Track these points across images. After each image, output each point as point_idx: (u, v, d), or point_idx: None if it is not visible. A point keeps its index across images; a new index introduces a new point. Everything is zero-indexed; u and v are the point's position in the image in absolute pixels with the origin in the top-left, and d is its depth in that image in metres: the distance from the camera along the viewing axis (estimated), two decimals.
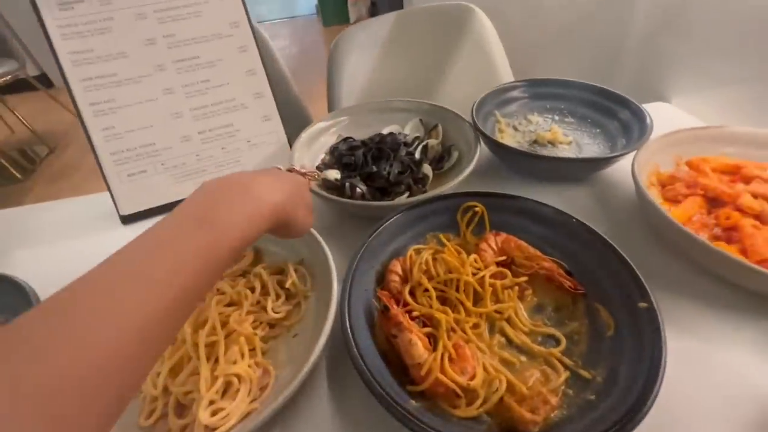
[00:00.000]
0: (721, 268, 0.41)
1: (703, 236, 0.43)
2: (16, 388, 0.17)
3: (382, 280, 0.43)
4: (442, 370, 0.34)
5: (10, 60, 2.39)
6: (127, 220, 0.58)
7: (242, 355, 0.36)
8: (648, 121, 0.56)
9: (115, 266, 0.23)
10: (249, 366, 0.35)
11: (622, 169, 0.57)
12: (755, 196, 0.46)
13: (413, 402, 0.33)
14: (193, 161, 0.60)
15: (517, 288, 0.42)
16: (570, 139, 0.63)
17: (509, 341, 0.38)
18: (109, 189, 0.58)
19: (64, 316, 0.19)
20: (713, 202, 0.48)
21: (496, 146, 0.58)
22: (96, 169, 0.57)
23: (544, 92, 0.68)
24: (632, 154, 0.51)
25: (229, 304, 0.40)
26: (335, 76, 0.94)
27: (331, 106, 0.94)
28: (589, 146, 0.62)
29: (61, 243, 0.57)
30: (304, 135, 0.62)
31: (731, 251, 0.41)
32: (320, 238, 0.44)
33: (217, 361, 0.35)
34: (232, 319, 0.37)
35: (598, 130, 0.63)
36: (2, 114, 2.68)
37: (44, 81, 2.91)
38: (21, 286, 0.42)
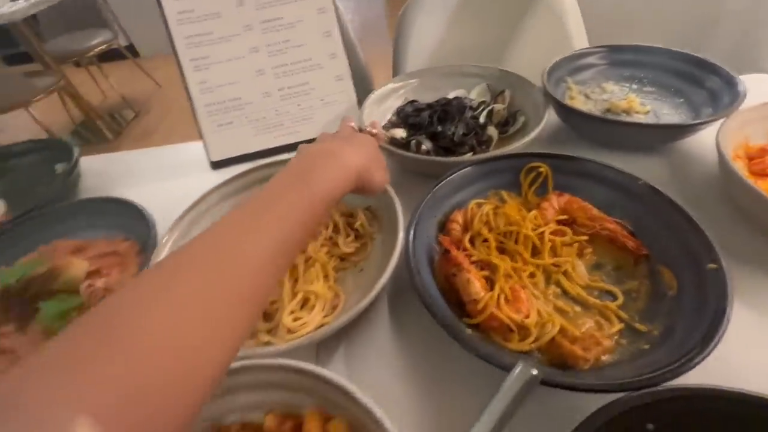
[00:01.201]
0: None
1: None
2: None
3: (442, 229, 0.46)
4: (498, 307, 0.36)
5: (105, 30, 2.65)
6: (216, 165, 0.66)
7: (318, 278, 0.41)
8: (740, 88, 0.52)
9: (237, 217, 0.27)
10: (323, 288, 0.40)
11: (703, 140, 0.54)
12: None
13: (468, 331, 0.36)
14: (272, 116, 0.66)
15: (576, 245, 0.42)
16: (648, 109, 0.60)
17: (564, 292, 0.40)
18: (202, 137, 0.65)
19: (199, 261, 0.23)
20: None
21: (566, 112, 0.57)
22: (172, 131, 0.64)
23: (624, 59, 0.65)
24: (718, 123, 0.48)
25: None
26: (402, 42, 0.95)
27: (396, 72, 0.96)
28: (669, 117, 0.59)
29: (161, 183, 0.66)
30: (373, 96, 0.65)
31: None
32: (388, 187, 0.47)
33: (297, 280, 0.40)
34: (310, 248, 0.42)
35: (681, 100, 0.60)
36: (97, 80, 3.00)
37: (132, 51, 3.18)
38: (143, 212, 0.50)
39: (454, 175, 0.48)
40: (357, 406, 0.29)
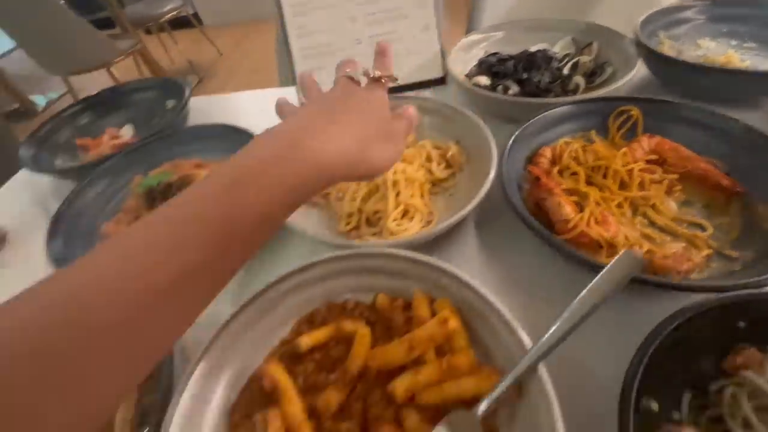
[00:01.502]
0: None
1: None
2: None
3: (530, 163, 0.49)
4: (588, 226, 0.39)
5: None
6: None
7: (415, 195, 0.45)
8: None
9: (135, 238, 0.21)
10: (421, 203, 0.45)
11: None
12: None
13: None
14: (361, 62, 0.70)
15: (666, 183, 0.44)
16: (747, 64, 0.58)
17: (652, 223, 0.42)
18: (296, 79, 0.71)
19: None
20: None
21: (660, 61, 0.57)
22: None
23: (726, 14, 0.63)
24: None
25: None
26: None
27: (471, 28, 0.97)
28: None
29: (257, 121, 0.73)
30: (456, 47, 0.68)
31: None
32: (479, 120, 0.50)
33: (398, 195, 0.45)
34: (409, 169, 0.47)
35: (753, 44, 0.57)
36: (166, 46, 3.19)
37: (197, 20, 3.34)
38: (246, 132, 0.56)
39: (543, 115, 0.50)
40: (462, 287, 0.34)
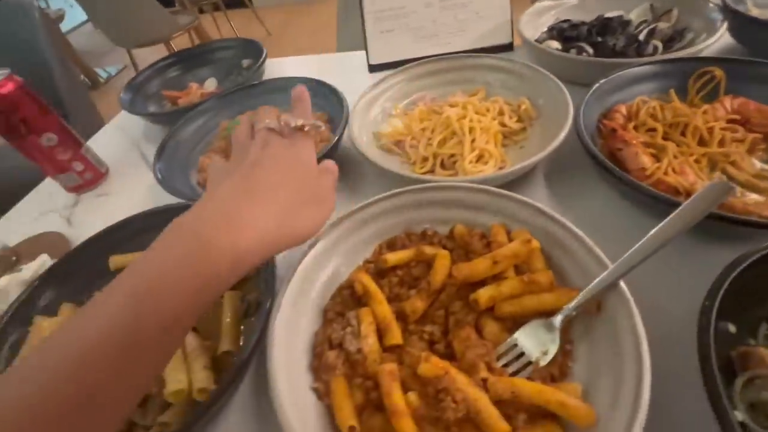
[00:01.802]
0: None
1: None
2: None
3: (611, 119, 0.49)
4: (666, 174, 0.40)
5: None
6: (373, 69, 0.75)
7: (490, 141, 0.47)
8: None
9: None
10: (494, 149, 0.47)
11: None
12: None
13: None
14: (430, 25, 0.72)
15: (749, 141, 0.44)
16: None
17: (731, 179, 0.42)
18: (365, 42, 0.74)
19: None
20: None
21: (748, 25, 0.56)
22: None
23: None
24: None
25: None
26: None
27: None
28: None
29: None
30: (527, 12, 0.68)
31: None
32: (553, 78, 0.52)
33: (473, 141, 0.47)
34: (484, 119, 0.49)
35: None
36: (219, 24, 3.32)
37: (249, 0, 3.43)
38: (334, 90, 0.60)
39: (619, 74, 0.51)
40: (541, 216, 0.36)
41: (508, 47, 0.71)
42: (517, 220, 0.38)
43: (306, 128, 0.31)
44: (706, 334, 0.27)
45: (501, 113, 0.52)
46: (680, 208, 0.31)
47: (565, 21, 0.68)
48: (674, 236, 0.30)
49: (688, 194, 0.39)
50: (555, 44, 0.63)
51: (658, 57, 0.51)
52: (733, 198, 0.39)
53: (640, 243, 0.30)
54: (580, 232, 0.33)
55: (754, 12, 0.62)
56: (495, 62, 0.58)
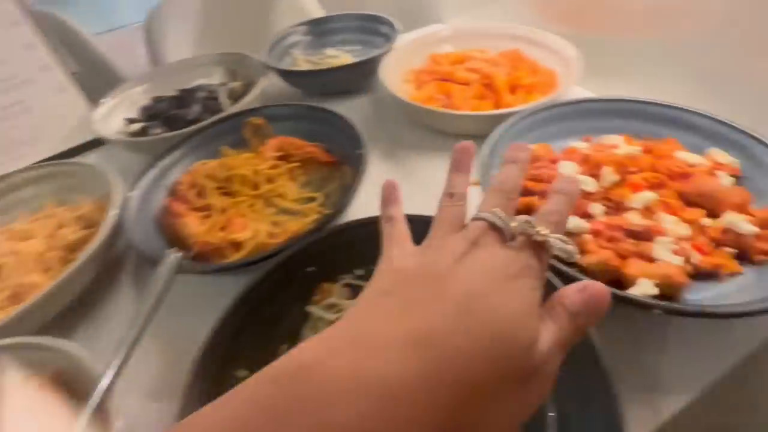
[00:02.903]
0: (437, 121, 0.55)
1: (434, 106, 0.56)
2: None
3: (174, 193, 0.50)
4: (211, 234, 0.42)
5: None
6: None
7: (35, 270, 0.40)
8: (397, 27, 0.68)
9: None
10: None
11: None
12: (468, 70, 0.60)
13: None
14: None
15: (287, 171, 0.51)
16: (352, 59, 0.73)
17: (280, 209, 0.48)
18: None
19: None
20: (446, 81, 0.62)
21: (284, 73, 0.67)
22: None
23: (325, 29, 0.78)
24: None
25: None
26: (157, 55, 0.95)
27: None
28: None
29: None
30: (106, 101, 0.65)
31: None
32: (105, 169, 0.49)
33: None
34: (22, 246, 0.41)
35: (359, 47, 0.76)
36: None
37: None
38: None
39: (181, 146, 0.53)
40: None
41: (97, 143, 0.66)
42: None
43: (548, 247, 0.20)
44: None
45: (61, 226, 0.46)
46: (147, 292, 0.31)
47: (158, 98, 0.68)
48: (149, 316, 0.30)
49: (238, 244, 0.42)
50: (134, 127, 0.61)
51: (204, 123, 0.55)
52: (276, 230, 0.44)
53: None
54: None
55: (300, 59, 0.76)
56: (38, 172, 0.52)
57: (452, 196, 0.23)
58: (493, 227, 0.20)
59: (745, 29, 0.47)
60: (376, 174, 0.53)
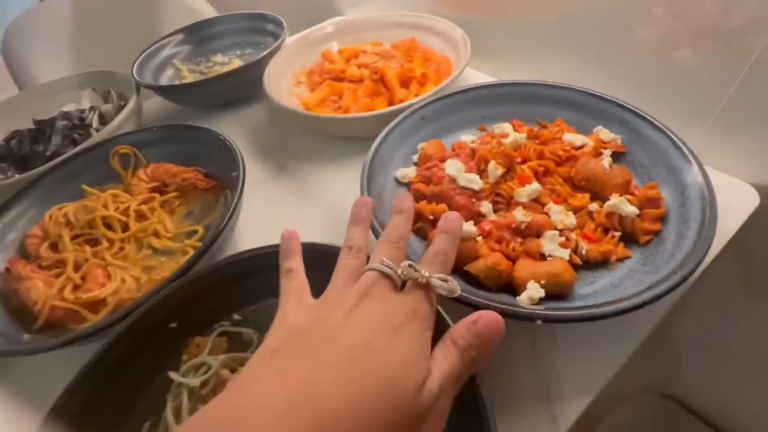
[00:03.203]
0: (327, 127, 0.50)
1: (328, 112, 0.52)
2: None
3: (23, 250, 0.42)
4: (61, 296, 0.35)
5: None
6: None
7: None
8: (284, 26, 0.62)
9: None
10: None
11: None
12: (359, 66, 0.56)
13: (26, 336, 0.34)
14: None
15: (160, 203, 0.45)
16: (240, 63, 0.67)
17: (155, 250, 0.42)
18: None
19: None
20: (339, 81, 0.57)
21: (161, 90, 0.59)
22: None
23: (204, 35, 0.71)
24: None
25: None
26: (21, 78, 0.83)
27: None
28: None
29: None
30: None
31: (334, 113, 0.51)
32: None
33: None
34: None
35: (250, 50, 0.70)
36: None
37: None
38: None
39: (30, 190, 0.45)
40: None
41: None
42: None
43: (436, 288, 0.21)
44: None
45: None
46: None
47: (13, 133, 0.58)
48: None
49: (101, 303, 0.36)
50: None
51: (70, 154, 0.47)
52: (150, 275, 0.38)
53: None
54: None
55: (184, 69, 0.68)
56: None
57: (351, 248, 0.24)
58: (384, 275, 0.22)
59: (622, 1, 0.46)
60: (269, 192, 0.49)
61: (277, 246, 0.28)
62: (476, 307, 0.27)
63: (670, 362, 0.68)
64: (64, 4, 0.86)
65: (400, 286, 0.22)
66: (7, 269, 0.37)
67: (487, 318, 0.20)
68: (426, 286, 0.21)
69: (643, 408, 0.70)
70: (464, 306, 0.27)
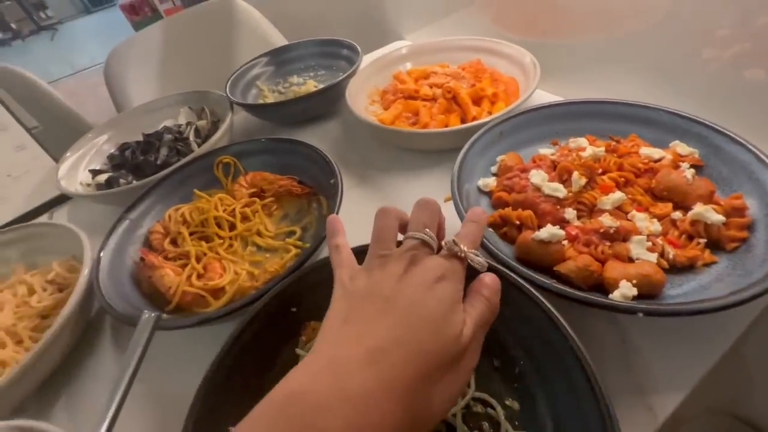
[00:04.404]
0: (406, 141, 0.55)
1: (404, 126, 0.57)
2: None
3: (148, 244, 0.48)
4: (189, 283, 0.41)
5: None
6: None
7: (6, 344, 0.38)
8: (358, 50, 0.69)
9: None
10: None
11: None
12: (431, 86, 0.61)
13: (165, 315, 0.39)
14: None
15: (261, 207, 0.50)
16: (317, 84, 0.74)
17: (259, 247, 0.47)
18: None
19: None
20: (412, 99, 0.62)
21: (251, 108, 0.67)
22: None
23: (285, 58, 0.78)
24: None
25: None
26: (119, 97, 0.94)
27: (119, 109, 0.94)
28: None
29: None
30: (69, 154, 0.63)
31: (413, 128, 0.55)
32: (73, 228, 0.47)
33: None
34: None
35: (323, 72, 0.76)
36: None
37: None
38: None
39: (150, 193, 0.51)
40: None
41: (63, 199, 0.64)
42: None
43: (463, 256, 0.26)
44: None
45: (32, 292, 0.44)
46: (125, 357, 0.29)
47: (123, 145, 0.67)
48: (130, 381, 0.28)
49: (220, 291, 0.41)
50: (102, 178, 0.60)
51: (170, 169, 0.54)
52: (256, 271, 0.43)
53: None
54: None
55: (266, 89, 0.76)
56: (7, 236, 0.50)
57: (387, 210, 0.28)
58: (424, 243, 0.26)
59: (686, 20, 0.48)
60: (352, 200, 0.53)
61: (367, 245, 0.32)
62: (576, 301, 0.30)
63: (737, 382, 0.67)
64: (156, 34, 0.97)
65: (437, 252, 0.26)
66: (142, 259, 0.43)
67: (491, 276, 0.26)
68: (462, 258, 0.25)
69: (709, 428, 0.68)
70: (565, 300, 0.30)
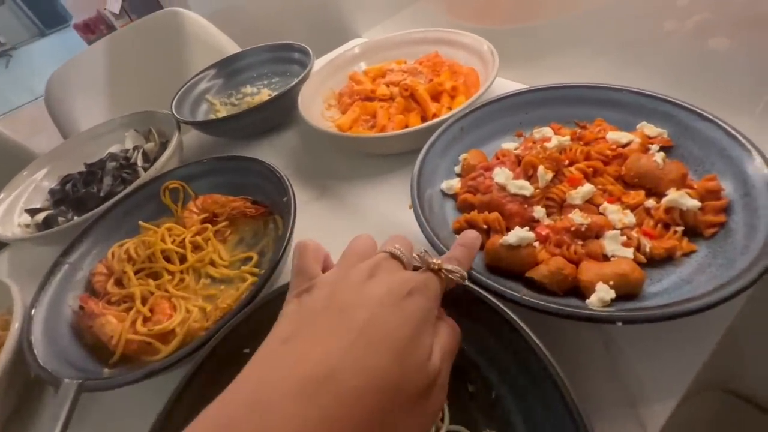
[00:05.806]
0: (364, 146, 0.51)
1: (362, 132, 0.53)
2: None
3: (91, 288, 0.44)
4: (134, 330, 0.37)
5: None
6: None
7: None
8: (310, 54, 0.65)
9: None
10: None
11: None
12: (388, 84, 0.58)
13: (106, 370, 0.35)
14: None
15: (212, 233, 0.46)
16: (272, 93, 0.69)
17: (213, 279, 0.43)
18: None
19: None
20: (369, 100, 0.59)
21: (200, 125, 0.62)
22: None
23: (233, 68, 0.74)
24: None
25: None
26: (65, 126, 0.88)
27: None
28: None
29: None
30: (3, 196, 0.58)
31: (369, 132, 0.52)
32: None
33: None
34: None
35: (277, 79, 0.72)
36: None
37: None
38: None
39: (92, 230, 0.47)
40: None
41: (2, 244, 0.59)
42: None
43: (443, 274, 0.22)
44: None
45: None
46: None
47: (66, 178, 0.62)
48: None
49: (170, 334, 0.37)
50: (41, 217, 0.55)
51: (123, 194, 0.49)
52: (208, 306, 0.39)
53: None
54: None
55: (217, 102, 0.71)
56: None
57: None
58: (394, 256, 0.22)
59: None
60: (315, 213, 0.50)
61: None
62: (549, 314, 0.27)
63: (731, 358, 0.66)
64: (98, 53, 0.91)
65: (411, 269, 0.23)
66: (81, 307, 0.39)
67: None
68: (437, 271, 0.22)
69: (706, 405, 0.67)
70: (538, 313, 0.27)
